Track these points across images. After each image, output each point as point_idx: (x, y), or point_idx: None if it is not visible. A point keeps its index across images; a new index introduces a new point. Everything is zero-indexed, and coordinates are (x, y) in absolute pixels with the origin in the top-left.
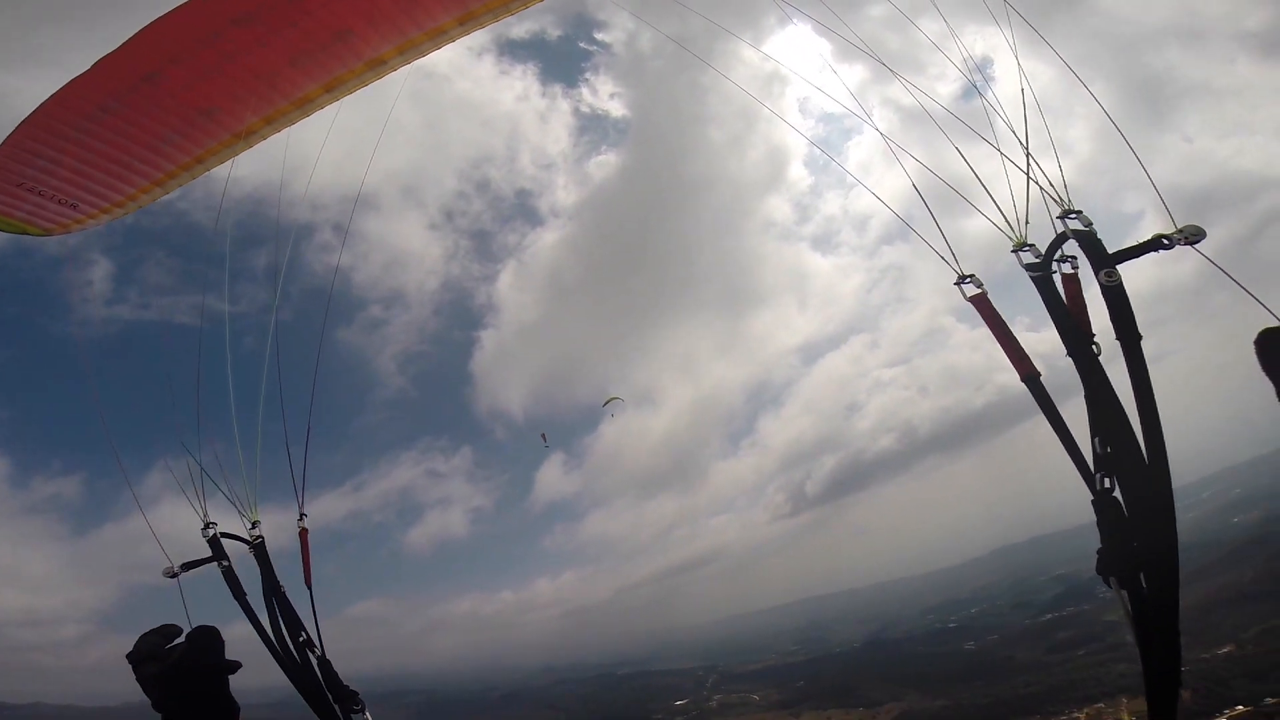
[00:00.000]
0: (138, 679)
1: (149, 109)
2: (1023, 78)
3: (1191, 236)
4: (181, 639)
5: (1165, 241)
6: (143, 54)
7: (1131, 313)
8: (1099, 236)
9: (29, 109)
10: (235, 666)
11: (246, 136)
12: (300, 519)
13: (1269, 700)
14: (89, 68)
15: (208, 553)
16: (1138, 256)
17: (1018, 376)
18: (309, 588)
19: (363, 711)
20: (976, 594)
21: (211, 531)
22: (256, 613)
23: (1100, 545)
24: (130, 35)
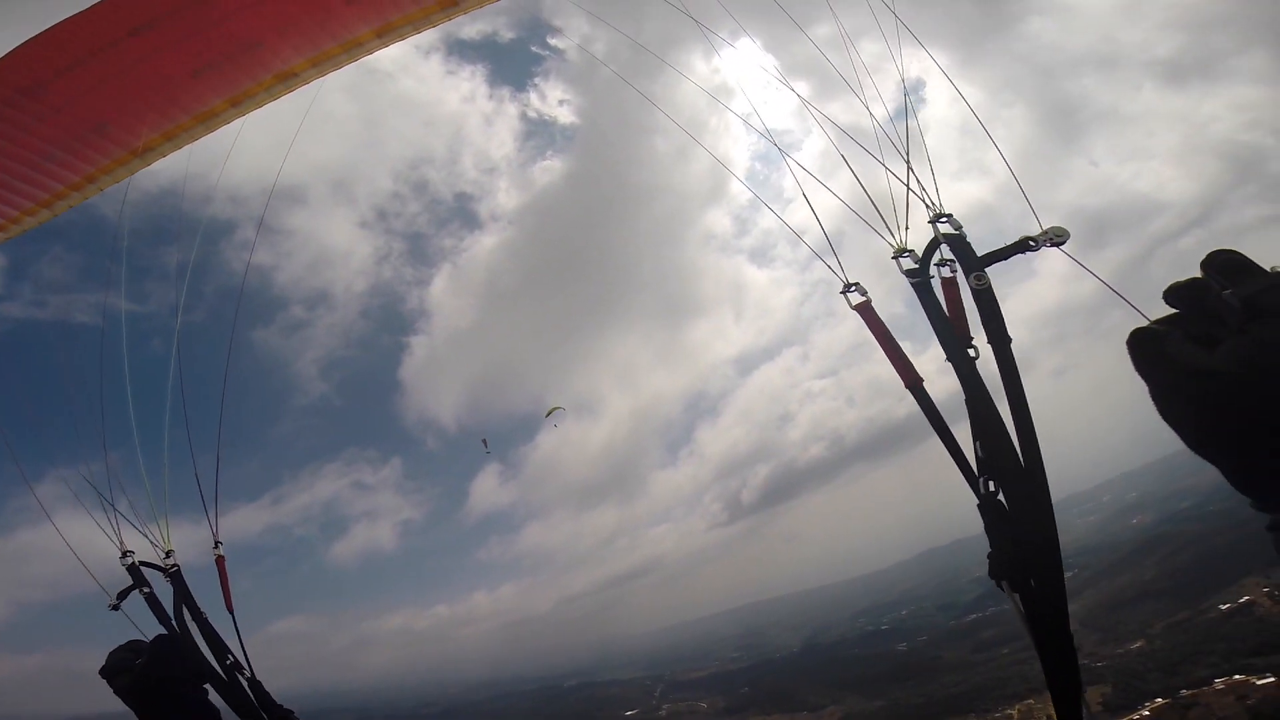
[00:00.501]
0: (114, 692)
1: (29, 125)
2: (905, 91)
3: (1055, 238)
4: None
5: (1031, 243)
6: (25, 66)
7: (1001, 315)
8: (969, 241)
9: None
10: (200, 673)
11: (144, 153)
12: (216, 546)
13: (1184, 692)
14: None
15: (126, 579)
16: (1006, 258)
17: (903, 383)
18: (230, 612)
19: None
20: (904, 596)
21: (130, 560)
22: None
23: (989, 550)
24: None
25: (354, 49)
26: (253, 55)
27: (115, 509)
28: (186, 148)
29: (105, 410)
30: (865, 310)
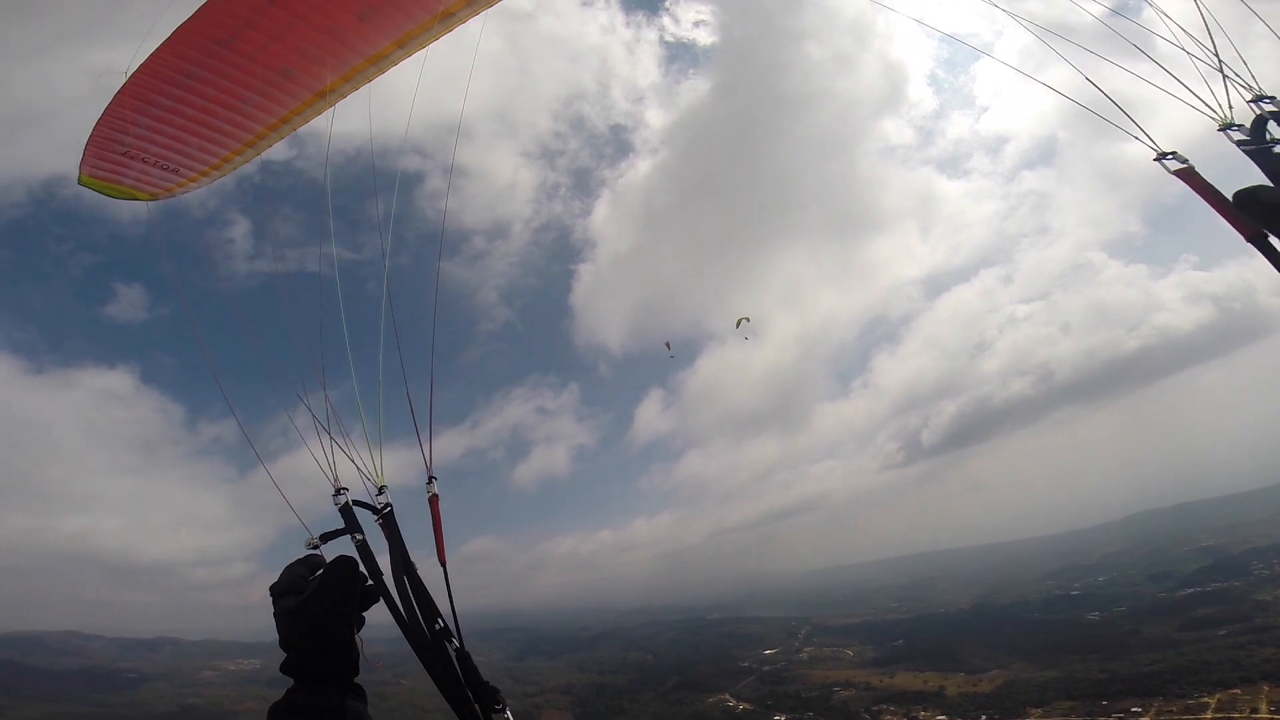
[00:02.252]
0: (275, 613)
1: (230, 73)
2: None
3: None
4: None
5: None
6: (217, 18)
7: None
8: None
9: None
10: (369, 596)
11: (327, 95)
12: (430, 482)
13: None
14: (168, 36)
15: (339, 521)
16: None
17: (1243, 238)
18: (443, 565)
19: (504, 710)
20: (1106, 561)
21: (343, 499)
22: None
23: None
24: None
25: None
26: None
27: (330, 435)
28: (363, 107)
29: (325, 348)
30: (1189, 175)
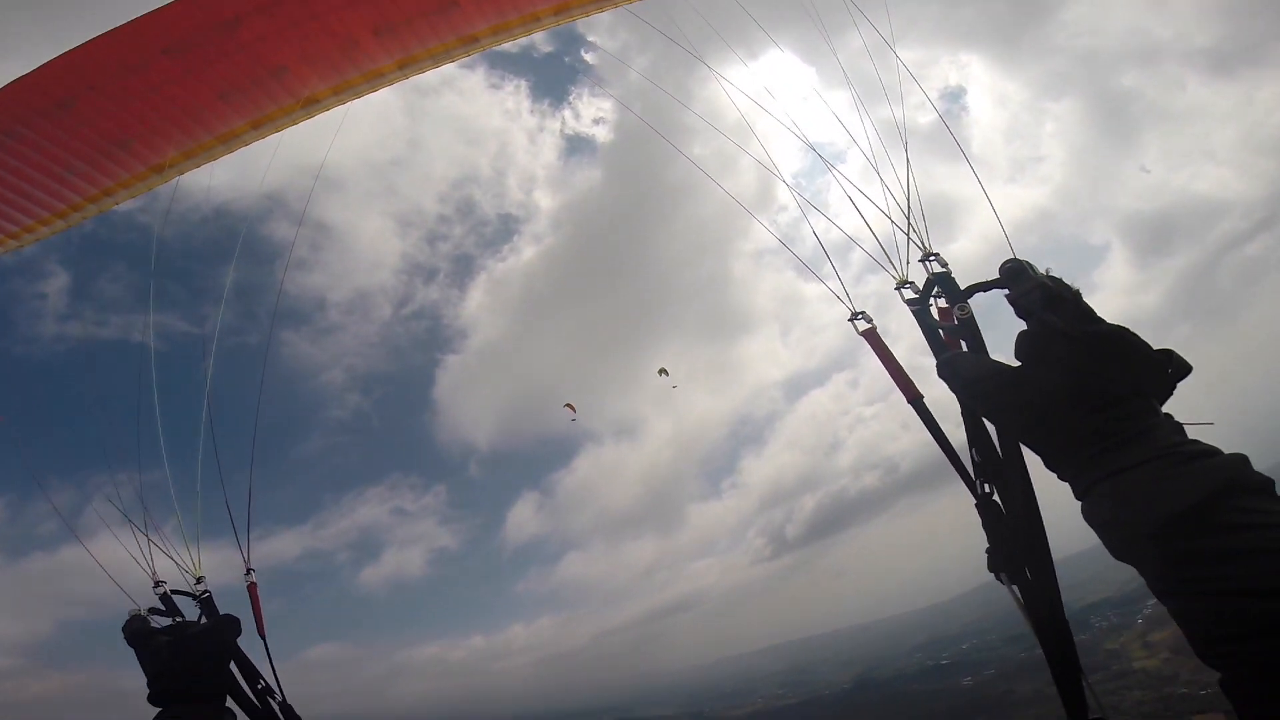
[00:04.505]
0: (151, 650)
1: (59, 137)
2: (903, 131)
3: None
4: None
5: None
6: (61, 78)
7: (982, 340)
8: (953, 277)
9: None
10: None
11: (163, 171)
12: (247, 573)
13: None
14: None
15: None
16: (985, 290)
17: (905, 399)
18: (263, 638)
19: None
20: (967, 629)
21: (162, 589)
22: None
23: (987, 546)
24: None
25: (375, 79)
26: (278, 81)
27: (148, 536)
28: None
29: (142, 433)
30: (871, 336)
